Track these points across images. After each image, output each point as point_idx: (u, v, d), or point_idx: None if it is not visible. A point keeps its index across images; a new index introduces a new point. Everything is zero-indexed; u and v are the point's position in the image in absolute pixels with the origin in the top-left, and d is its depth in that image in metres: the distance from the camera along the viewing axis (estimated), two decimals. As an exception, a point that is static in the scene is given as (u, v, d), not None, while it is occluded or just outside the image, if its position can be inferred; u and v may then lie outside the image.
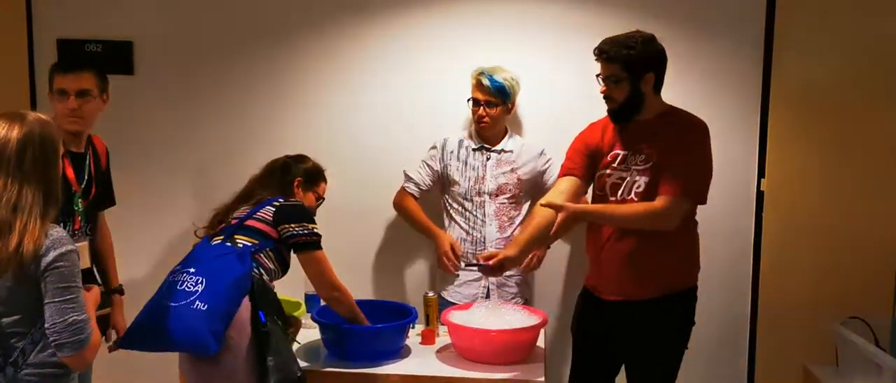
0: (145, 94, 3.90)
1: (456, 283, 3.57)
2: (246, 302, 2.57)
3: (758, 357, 3.75)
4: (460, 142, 3.58)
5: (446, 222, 3.62)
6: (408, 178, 3.62)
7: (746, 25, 3.63)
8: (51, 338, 2.08)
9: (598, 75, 2.97)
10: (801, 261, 3.71)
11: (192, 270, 2.59)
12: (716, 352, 3.76)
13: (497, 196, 3.51)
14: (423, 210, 3.63)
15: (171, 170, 3.96)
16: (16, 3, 3.90)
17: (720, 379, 3.78)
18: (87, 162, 3.04)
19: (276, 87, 3.87)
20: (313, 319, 3.03)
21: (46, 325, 2.07)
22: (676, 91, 3.64)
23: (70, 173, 2.92)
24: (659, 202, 2.86)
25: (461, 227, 3.54)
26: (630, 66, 2.87)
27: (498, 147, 3.54)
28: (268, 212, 2.76)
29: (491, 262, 2.98)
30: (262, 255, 2.71)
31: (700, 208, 3.63)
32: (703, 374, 3.76)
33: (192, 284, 2.54)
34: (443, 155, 3.57)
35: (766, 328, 3.75)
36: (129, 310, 3.07)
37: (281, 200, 2.81)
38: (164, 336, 2.51)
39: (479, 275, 3.49)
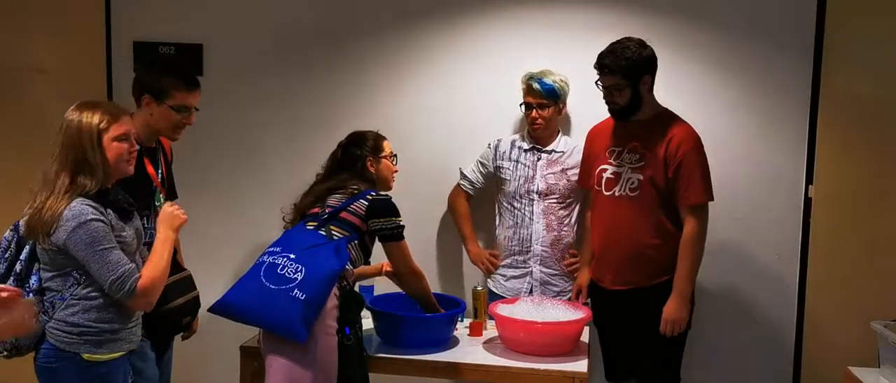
0: (213, 94, 4.06)
1: (503, 278, 3.69)
2: (332, 293, 2.73)
3: (803, 359, 3.79)
4: (513, 143, 3.69)
5: (497, 220, 3.73)
6: (463, 176, 3.78)
7: (796, 34, 3.67)
8: (107, 296, 2.45)
9: (597, 82, 3.22)
10: (847, 265, 3.71)
11: (292, 256, 2.72)
12: (762, 354, 3.80)
13: (546, 196, 3.61)
14: (478, 206, 3.78)
15: (235, 169, 4.15)
16: (96, 8, 4.14)
17: (766, 380, 3.82)
18: (159, 157, 3.17)
19: (338, 90, 4.02)
20: (368, 307, 3.17)
21: (85, 289, 2.44)
22: (724, 97, 3.73)
23: (151, 170, 3.05)
24: (693, 221, 3.16)
25: (508, 225, 3.65)
26: (630, 73, 3.14)
27: (549, 147, 3.65)
28: (361, 205, 2.92)
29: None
30: (350, 247, 2.86)
31: (749, 213, 3.71)
32: (749, 375, 3.82)
33: (292, 271, 2.68)
34: (495, 154, 3.69)
35: (811, 331, 3.77)
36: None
37: (373, 194, 2.96)
38: (258, 315, 2.68)
39: (525, 271, 3.63)
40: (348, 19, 3.99)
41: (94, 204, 2.42)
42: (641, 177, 3.18)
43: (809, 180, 3.72)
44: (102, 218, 2.42)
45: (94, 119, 2.46)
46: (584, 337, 3.21)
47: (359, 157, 3.07)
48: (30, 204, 2.45)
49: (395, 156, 3.20)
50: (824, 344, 3.75)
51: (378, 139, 3.15)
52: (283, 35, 4.05)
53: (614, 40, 3.22)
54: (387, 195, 3.02)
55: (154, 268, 2.51)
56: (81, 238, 2.37)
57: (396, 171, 3.20)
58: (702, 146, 3.21)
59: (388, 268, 3.24)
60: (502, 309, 3.15)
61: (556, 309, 3.16)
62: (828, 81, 3.67)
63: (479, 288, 3.38)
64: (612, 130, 3.33)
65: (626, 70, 3.12)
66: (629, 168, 3.22)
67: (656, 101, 3.28)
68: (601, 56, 3.18)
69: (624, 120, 3.26)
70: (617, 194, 3.24)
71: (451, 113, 3.94)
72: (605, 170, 3.28)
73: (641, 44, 3.18)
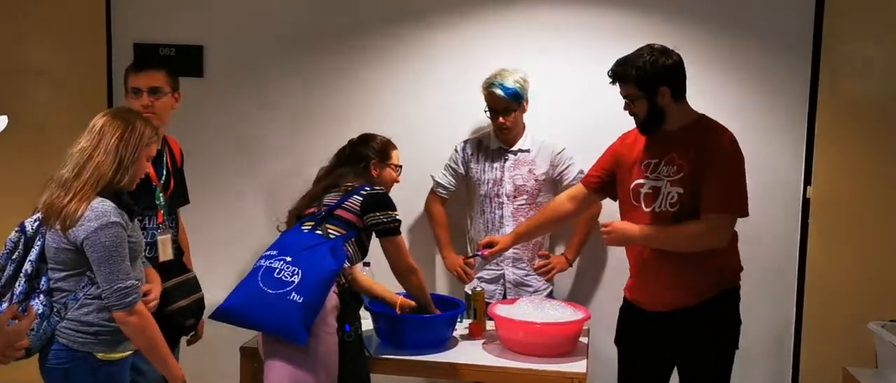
0: (214, 95, 4.11)
1: (476, 284, 3.58)
2: (331, 293, 2.73)
3: (801, 359, 3.79)
4: (479, 144, 3.69)
5: (468, 222, 3.75)
6: (436, 183, 3.77)
7: (794, 34, 3.68)
8: (104, 299, 2.42)
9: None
10: (846, 267, 3.73)
11: (288, 259, 2.71)
12: (761, 355, 3.81)
13: (515, 197, 3.61)
14: (453, 211, 3.79)
15: (236, 170, 4.16)
16: (97, 9, 4.16)
17: (765, 380, 3.83)
18: (164, 158, 3.20)
19: (338, 92, 4.04)
20: (366, 308, 3.18)
21: (100, 289, 2.41)
22: (722, 98, 3.73)
23: (149, 169, 3.05)
24: (705, 223, 2.82)
25: (480, 228, 3.65)
26: (642, 83, 2.85)
27: (516, 147, 3.62)
28: (356, 201, 2.90)
29: (486, 253, 3.35)
30: (346, 245, 2.86)
31: (750, 215, 3.70)
32: (748, 377, 3.81)
33: (288, 274, 2.66)
34: (463, 157, 3.69)
35: (810, 332, 3.78)
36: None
37: (367, 189, 2.94)
38: (257, 319, 2.68)
39: (498, 273, 3.66)
40: (347, 22, 4.01)
41: (114, 205, 2.43)
42: (681, 191, 2.87)
43: (808, 181, 3.73)
44: (122, 221, 2.43)
45: (148, 131, 2.53)
46: (584, 338, 3.22)
47: (365, 157, 3.08)
48: (53, 183, 2.45)
49: (400, 167, 3.20)
50: (822, 345, 3.76)
51: (387, 145, 3.15)
52: (282, 37, 4.07)
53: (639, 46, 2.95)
54: (382, 189, 3.00)
55: (154, 323, 2.53)
56: (101, 239, 2.37)
57: (397, 182, 3.19)
58: (737, 155, 2.88)
59: (403, 306, 3.16)
60: (501, 310, 3.15)
61: (555, 309, 3.16)
62: (826, 82, 3.68)
63: (477, 289, 3.38)
64: (647, 141, 3.00)
65: (636, 80, 2.84)
66: (668, 181, 2.90)
67: (689, 109, 2.95)
68: (613, 65, 2.93)
69: (648, 133, 2.97)
70: (657, 210, 2.92)
71: (452, 114, 3.95)
72: (641, 185, 2.97)
73: (663, 52, 2.86)
